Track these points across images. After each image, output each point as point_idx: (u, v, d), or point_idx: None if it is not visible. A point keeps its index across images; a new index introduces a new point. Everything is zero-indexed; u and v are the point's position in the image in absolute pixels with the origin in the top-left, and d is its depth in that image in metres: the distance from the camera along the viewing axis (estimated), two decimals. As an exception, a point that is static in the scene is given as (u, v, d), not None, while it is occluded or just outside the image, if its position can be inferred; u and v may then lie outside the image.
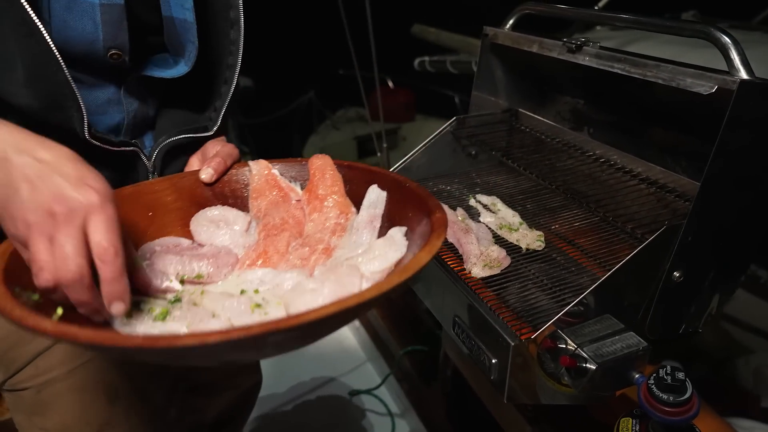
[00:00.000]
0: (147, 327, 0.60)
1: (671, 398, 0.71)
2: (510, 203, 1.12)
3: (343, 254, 0.72)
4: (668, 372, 0.73)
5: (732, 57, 0.75)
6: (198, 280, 0.69)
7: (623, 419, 0.81)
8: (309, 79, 3.69)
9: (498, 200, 1.13)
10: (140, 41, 0.79)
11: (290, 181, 0.86)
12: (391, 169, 1.21)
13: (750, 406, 1.41)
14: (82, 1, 0.71)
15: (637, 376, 0.77)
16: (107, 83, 0.81)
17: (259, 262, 0.73)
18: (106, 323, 0.60)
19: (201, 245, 0.77)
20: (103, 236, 0.55)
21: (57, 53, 0.67)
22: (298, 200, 0.84)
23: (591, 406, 1.03)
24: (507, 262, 0.94)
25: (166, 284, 0.68)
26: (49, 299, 0.57)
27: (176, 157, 0.90)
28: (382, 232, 0.75)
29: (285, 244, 0.76)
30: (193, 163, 0.90)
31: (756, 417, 1.24)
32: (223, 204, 0.84)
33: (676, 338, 0.91)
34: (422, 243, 0.63)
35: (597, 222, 1.00)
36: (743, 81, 0.72)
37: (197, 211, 0.81)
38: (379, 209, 0.77)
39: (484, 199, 1.14)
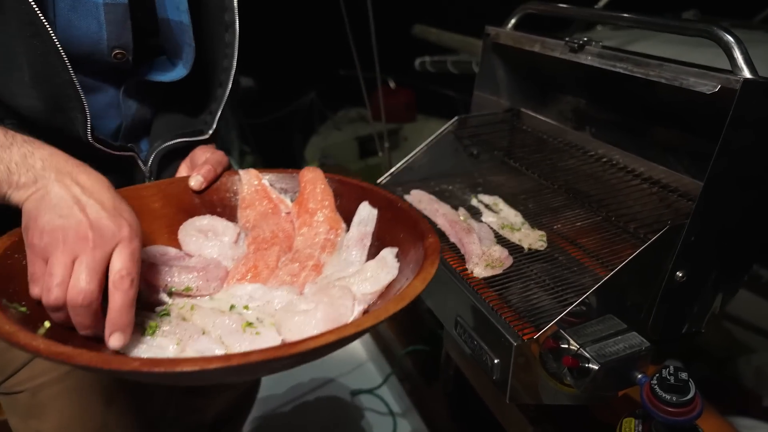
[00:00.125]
0: (136, 341, 0.59)
1: (674, 398, 0.70)
2: (512, 203, 1.12)
3: (333, 272, 0.72)
4: (671, 372, 0.72)
5: (735, 56, 0.74)
6: (186, 293, 0.69)
7: (626, 419, 0.81)
8: (310, 79, 3.69)
9: (500, 200, 1.13)
10: (140, 42, 0.79)
11: (280, 193, 0.85)
12: (393, 169, 1.21)
13: (751, 405, 1.41)
14: (87, 0, 0.71)
15: (639, 376, 0.77)
16: (107, 86, 0.81)
17: (249, 276, 0.72)
18: (95, 336, 0.59)
19: (189, 255, 0.76)
20: (123, 264, 0.57)
21: (63, 53, 0.67)
22: (288, 213, 0.84)
23: (593, 407, 1.03)
24: (509, 262, 0.94)
25: (154, 296, 0.68)
26: (37, 312, 0.57)
27: (172, 161, 0.90)
28: (372, 251, 0.74)
29: (275, 258, 0.75)
30: (182, 169, 0.90)
31: (758, 416, 1.23)
32: (212, 212, 0.83)
33: (678, 338, 0.91)
34: (414, 267, 0.63)
35: (599, 222, 1.00)
36: (746, 80, 0.71)
37: (185, 218, 0.80)
38: (370, 227, 0.76)
39: (486, 198, 1.14)
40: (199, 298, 0.70)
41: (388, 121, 2.17)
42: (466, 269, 0.93)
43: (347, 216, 0.80)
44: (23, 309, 0.57)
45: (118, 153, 0.79)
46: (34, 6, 0.64)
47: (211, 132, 0.90)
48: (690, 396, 0.70)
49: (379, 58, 2.00)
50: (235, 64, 0.86)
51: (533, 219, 1.06)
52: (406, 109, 3.29)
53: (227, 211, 0.84)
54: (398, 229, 0.73)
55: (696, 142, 0.91)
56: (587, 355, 0.75)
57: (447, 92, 2.86)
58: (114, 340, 0.57)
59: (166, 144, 0.86)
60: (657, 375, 0.73)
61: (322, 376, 1.93)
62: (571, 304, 0.78)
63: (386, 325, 1.93)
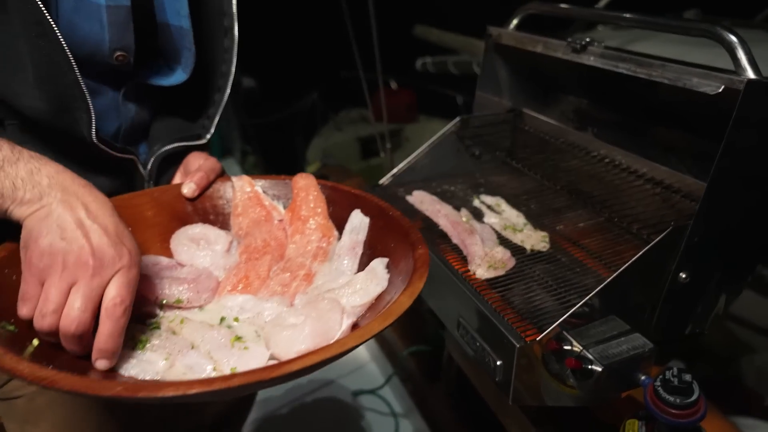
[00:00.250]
0: (126, 356, 0.59)
1: (678, 400, 0.70)
2: (514, 204, 1.11)
3: (324, 282, 0.71)
4: (675, 374, 0.72)
5: (739, 56, 0.74)
6: (177, 305, 0.69)
7: (629, 421, 0.81)
8: (312, 80, 3.69)
9: (502, 201, 1.13)
10: (140, 45, 0.79)
11: (273, 200, 0.85)
12: (395, 170, 1.21)
13: (754, 405, 1.41)
14: (89, 2, 0.71)
15: (643, 377, 0.76)
16: (107, 89, 0.80)
17: (240, 287, 0.72)
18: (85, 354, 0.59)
19: (181, 265, 0.76)
20: (118, 292, 0.56)
21: (69, 54, 0.67)
22: (281, 220, 0.83)
23: (596, 408, 1.03)
24: (512, 263, 0.93)
25: (145, 308, 0.67)
26: (25, 330, 0.57)
27: (171, 165, 0.90)
28: (363, 260, 0.74)
29: (266, 268, 0.75)
30: (177, 176, 0.90)
31: (760, 416, 1.23)
32: (204, 219, 0.83)
33: (682, 339, 0.91)
34: (404, 279, 0.62)
35: (602, 222, 0.99)
36: (750, 80, 0.71)
37: (178, 226, 0.80)
38: (362, 236, 0.76)
39: (488, 199, 1.14)
40: (190, 309, 0.69)
41: (390, 122, 2.17)
42: (469, 270, 0.93)
43: (340, 223, 0.79)
44: (11, 328, 0.56)
45: (119, 155, 0.79)
46: (42, 6, 0.64)
47: (209, 136, 0.89)
48: (694, 398, 0.70)
49: (380, 58, 2.00)
50: (233, 69, 0.86)
51: (535, 220, 1.06)
52: (408, 109, 3.29)
53: (220, 218, 0.84)
54: (389, 238, 0.72)
55: (699, 143, 0.91)
56: (590, 356, 0.75)
57: (448, 93, 2.85)
58: (100, 365, 0.57)
59: (165, 148, 0.86)
60: (660, 377, 0.73)
61: (323, 376, 1.93)
62: (574, 305, 0.78)
63: (388, 326, 1.93)
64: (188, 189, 0.82)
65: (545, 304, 0.84)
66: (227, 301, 0.69)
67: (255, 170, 3.61)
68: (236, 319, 0.67)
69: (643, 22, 0.92)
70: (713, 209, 0.79)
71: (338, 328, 0.60)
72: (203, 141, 0.89)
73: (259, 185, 0.85)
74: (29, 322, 0.57)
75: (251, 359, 0.58)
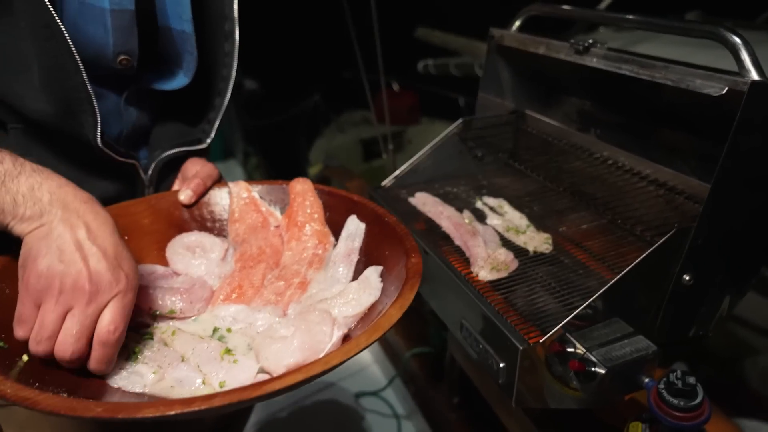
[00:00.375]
0: (118, 368, 0.60)
1: (682, 403, 0.70)
2: (517, 205, 1.11)
3: (318, 291, 0.71)
4: (679, 376, 0.72)
5: (743, 58, 0.74)
6: (170, 315, 0.69)
7: (632, 423, 0.80)
8: (314, 81, 3.69)
9: (505, 202, 1.12)
10: (143, 49, 0.79)
11: (270, 205, 0.85)
12: (397, 172, 1.21)
13: (757, 407, 1.40)
14: (93, 6, 0.71)
15: (646, 380, 0.76)
16: (109, 93, 0.80)
17: (234, 296, 0.72)
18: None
19: (176, 274, 0.76)
20: (113, 319, 0.56)
21: (77, 57, 0.67)
22: (277, 226, 0.83)
23: (599, 410, 1.03)
24: (514, 265, 0.93)
25: (138, 319, 0.67)
26: (15, 345, 0.57)
27: (172, 170, 0.90)
28: (359, 267, 0.74)
29: (260, 277, 0.75)
30: (175, 183, 0.90)
31: (764, 418, 1.22)
32: (201, 226, 0.83)
33: (686, 342, 0.90)
34: (398, 287, 0.62)
35: (605, 224, 0.99)
36: (754, 82, 0.71)
37: (175, 233, 0.80)
38: (357, 242, 0.76)
39: (490, 201, 1.14)
40: (183, 320, 0.70)
41: (392, 124, 2.17)
42: (471, 272, 0.93)
43: (336, 229, 0.79)
44: (1, 344, 0.56)
45: (122, 159, 0.79)
46: (51, 9, 0.64)
47: (209, 141, 0.89)
48: (698, 401, 0.70)
49: (382, 60, 2.00)
50: (234, 73, 0.86)
51: (538, 221, 1.06)
52: (410, 111, 3.28)
53: (217, 224, 0.84)
54: (385, 245, 0.72)
55: (702, 144, 0.91)
56: (594, 359, 0.75)
57: (450, 94, 2.85)
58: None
59: (165, 154, 0.86)
60: (664, 379, 0.73)
61: (325, 378, 1.92)
62: (578, 307, 0.77)
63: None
64: (185, 196, 0.82)
65: (548, 306, 0.84)
66: (220, 311, 0.69)
67: (257, 172, 3.61)
68: (229, 330, 0.67)
69: (646, 23, 0.92)
70: (717, 211, 0.78)
71: (328, 340, 0.60)
72: (204, 145, 0.89)
73: (256, 190, 0.85)
74: (18, 339, 0.57)
75: (240, 373, 0.59)
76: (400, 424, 1.73)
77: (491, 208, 1.11)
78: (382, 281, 0.67)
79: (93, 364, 0.58)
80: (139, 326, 0.68)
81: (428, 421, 1.66)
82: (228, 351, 0.62)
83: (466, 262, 0.96)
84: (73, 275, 0.55)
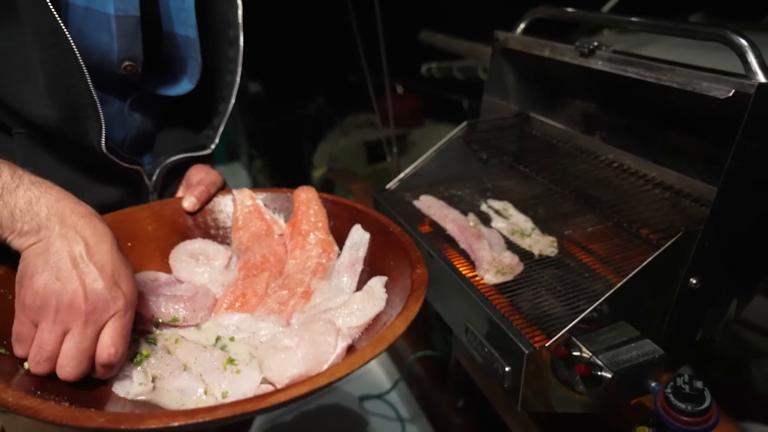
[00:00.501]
0: (121, 374, 0.60)
1: (689, 407, 0.69)
2: (522, 208, 1.11)
3: (322, 301, 0.71)
4: (686, 381, 0.71)
5: (749, 60, 0.73)
6: (173, 324, 0.68)
7: (639, 428, 0.80)
8: (319, 84, 3.70)
9: (510, 205, 1.12)
10: (148, 55, 0.79)
11: (274, 213, 0.84)
12: (401, 175, 1.21)
13: (765, 411, 1.39)
14: (98, 12, 0.71)
15: (653, 384, 0.75)
16: (113, 99, 0.81)
17: (237, 304, 0.72)
18: None
19: (180, 281, 0.76)
20: (113, 341, 0.56)
21: (82, 63, 0.67)
22: (281, 235, 0.83)
23: (605, 415, 1.02)
24: (520, 268, 0.93)
25: (140, 327, 0.67)
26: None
27: (176, 176, 0.90)
28: (363, 277, 0.74)
29: (264, 285, 0.75)
30: (179, 190, 0.90)
31: (771, 423, 1.21)
32: (205, 234, 0.83)
33: (692, 345, 0.90)
34: (403, 298, 0.62)
35: (611, 227, 0.99)
36: (761, 84, 0.71)
37: (178, 240, 0.80)
38: (362, 252, 0.76)
39: (495, 204, 1.13)
40: (186, 328, 0.69)
41: (396, 126, 2.17)
42: (477, 275, 0.93)
43: (340, 238, 0.79)
44: (2, 351, 0.56)
45: (126, 165, 0.79)
46: (56, 16, 0.64)
47: (213, 147, 0.89)
48: (706, 405, 0.69)
49: (387, 63, 2.00)
50: (238, 79, 0.86)
51: (543, 224, 1.05)
52: (414, 114, 3.29)
53: (221, 232, 0.84)
54: (389, 255, 0.72)
55: (708, 147, 0.90)
56: (600, 363, 0.74)
57: (454, 97, 2.86)
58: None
59: (170, 160, 0.86)
60: (671, 383, 0.72)
61: (330, 381, 1.92)
62: (583, 311, 0.77)
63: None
64: (189, 203, 0.82)
65: (554, 310, 0.84)
66: (224, 320, 0.69)
67: (261, 174, 3.62)
68: (232, 339, 0.66)
69: (652, 26, 0.92)
70: (724, 214, 0.78)
71: (332, 351, 0.59)
72: (207, 151, 0.89)
73: (260, 198, 0.85)
74: None
75: (243, 383, 0.58)
76: (405, 427, 1.73)
77: (496, 211, 1.11)
78: (386, 292, 0.67)
79: (97, 376, 0.58)
80: (141, 333, 0.68)
81: (432, 424, 1.65)
82: (231, 361, 0.61)
83: (471, 265, 0.96)
84: (70, 294, 0.54)
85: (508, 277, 0.91)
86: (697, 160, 0.92)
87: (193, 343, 0.65)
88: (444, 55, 2.67)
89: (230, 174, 3.75)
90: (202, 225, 0.83)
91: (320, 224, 0.80)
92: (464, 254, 0.98)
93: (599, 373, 0.74)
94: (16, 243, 0.57)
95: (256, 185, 3.60)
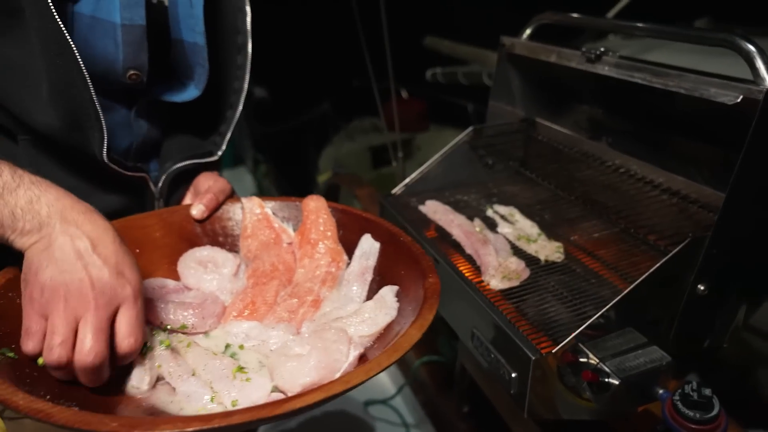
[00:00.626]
0: (128, 373, 0.59)
1: (698, 415, 0.69)
2: (528, 214, 1.11)
3: (332, 309, 0.70)
4: (694, 388, 0.71)
5: (758, 66, 0.73)
6: (182, 331, 0.68)
7: (647, 435, 0.79)
8: (324, 89, 3.71)
9: (516, 211, 1.12)
10: (153, 62, 0.79)
11: (283, 222, 0.84)
12: (407, 180, 1.21)
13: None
14: (104, 21, 0.71)
15: (661, 391, 0.75)
16: (119, 106, 0.80)
17: (246, 312, 0.71)
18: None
19: (188, 288, 0.75)
20: (130, 330, 0.56)
21: (86, 72, 0.67)
22: (290, 243, 0.82)
23: (613, 422, 1.01)
24: (526, 273, 0.93)
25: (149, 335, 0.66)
26: (26, 357, 0.56)
27: (182, 183, 0.89)
28: (373, 287, 0.73)
29: (273, 293, 0.74)
30: (187, 197, 0.89)
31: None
32: (213, 241, 0.82)
33: (700, 352, 0.89)
34: (415, 308, 0.61)
35: (617, 233, 0.99)
36: (769, 90, 0.70)
37: (186, 247, 0.79)
38: (372, 261, 0.75)
39: (501, 209, 1.13)
40: (194, 335, 0.68)
41: (401, 131, 2.18)
42: (482, 281, 0.92)
43: (350, 247, 0.78)
44: (11, 354, 0.56)
45: (130, 173, 0.79)
46: (61, 25, 0.64)
47: (220, 153, 0.89)
48: (714, 413, 0.69)
49: (392, 68, 2.01)
50: (246, 86, 0.86)
51: (550, 230, 1.05)
52: (419, 118, 3.29)
53: (229, 240, 0.83)
54: (400, 265, 0.71)
55: (715, 152, 0.90)
56: (607, 369, 0.74)
57: (459, 102, 2.86)
58: None
59: (176, 166, 0.86)
60: (679, 391, 0.72)
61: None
62: (590, 317, 0.77)
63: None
64: (197, 211, 0.82)
65: (560, 316, 0.83)
66: (233, 328, 0.68)
67: (267, 179, 3.63)
68: (241, 347, 0.66)
69: (660, 31, 0.92)
70: (732, 220, 0.78)
71: (345, 359, 0.59)
72: (214, 158, 0.89)
73: (269, 207, 0.84)
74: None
75: (253, 392, 0.58)
76: (409, 433, 1.72)
77: (502, 217, 1.11)
78: (398, 301, 0.66)
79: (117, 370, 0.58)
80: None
81: (437, 430, 1.65)
82: (240, 369, 0.61)
83: (477, 270, 0.95)
84: (77, 283, 0.55)
85: (515, 283, 0.91)
86: (705, 166, 0.92)
87: (203, 350, 0.64)
88: (449, 61, 2.67)
89: (235, 178, 3.76)
90: (210, 233, 0.83)
91: (329, 233, 0.79)
92: (470, 259, 0.98)
93: (606, 380, 0.74)
94: (19, 242, 0.58)
95: (261, 190, 3.61)
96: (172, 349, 0.64)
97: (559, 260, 0.97)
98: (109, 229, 0.59)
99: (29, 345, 0.56)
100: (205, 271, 0.76)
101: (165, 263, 0.78)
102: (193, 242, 0.81)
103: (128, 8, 0.72)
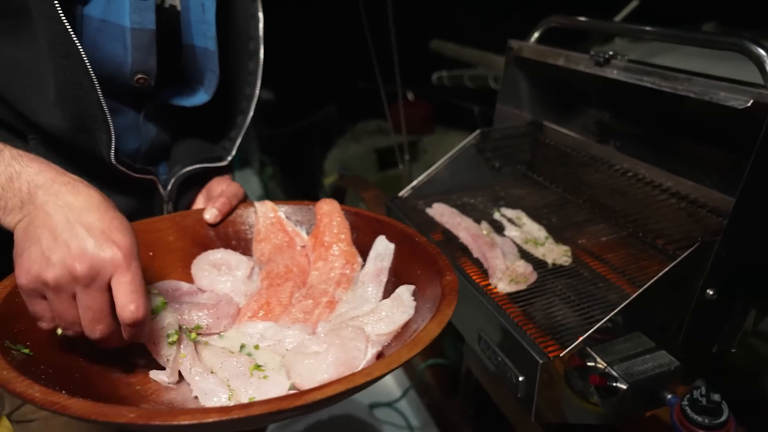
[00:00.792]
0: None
1: (707, 421, 0.68)
2: (535, 217, 1.11)
3: (347, 310, 0.70)
4: (703, 393, 0.70)
5: (768, 70, 0.73)
6: (196, 331, 0.67)
7: (655, 440, 0.79)
8: (330, 91, 3.72)
9: (523, 214, 1.12)
10: (162, 67, 0.79)
11: (296, 225, 0.84)
12: (414, 182, 1.21)
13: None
14: (114, 24, 0.71)
15: (669, 396, 0.75)
16: (127, 109, 0.81)
17: (261, 313, 0.71)
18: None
19: (201, 291, 0.75)
20: (128, 298, 0.54)
21: (93, 75, 0.67)
22: (303, 246, 0.83)
23: (620, 426, 1.01)
24: (533, 277, 0.93)
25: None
26: (41, 354, 0.56)
27: (191, 186, 0.90)
28: (389, 287, 0.73)
29: (288, 294, 0.74)
30: (199, 201, 0.90)
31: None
32: (226, 245, 0.82)
33: (708, 358, 0.89)
34: (432, 307, 0.61)
35: (625, 237, 0.98)
36: (780, 95, 0.70)
37: (199, 251, 0.80)
38: (387, 262, 0.75)
39: (508, 212, 1.13)
40: (209, 336, 0.68)
41: (407, 133, 2.18)
42: (490, 284, 0.92)
43: (364, 250, 0.78)
44: (26, 351, 0.56)
45: (139, 176, 0.79)
46: (68, 26, 0.64)
47: (230, 158, 0.89)
48: (723, 418, 0.68)
49: (399, 70, 2.01)
50: (257, 92, 0.86)
51: (557, 233, 1.05)
52: (425, 121, 3.29)
53: (242, 243, 0.83)
54: (416, 264, 0.71)
55: (724, 156, 0.90)
56: (615, 373, 0.74)
57: (465, 104, 2.86)
58: None
59: (185, 170, 0.86)
60: (688, 396, 0.71)
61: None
62: (598, 321, 0.77)
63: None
64: (210, 215, 0.82)
65: (568, 320, 0.83)
66: (247, 328, 0.68)
67: (273, 181, 3.64)
68: (256, 347, 0.65)
69: (669, 35, 0.92)
70: (742, 224, 0.77)
71: (363, 357, 0.58)
72: (224, 163, 0.89)
73: (282, 210, 0.84)
74: (44, 346, 0.57)
75: (271, 389, 0.57)
76: (414, 436, 1.72)
77: (509, 220, 1.11)
78: (414, 300, 0.66)
79: (128, 340, 0.57)
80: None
81: (442, 433, 1.64)
82: (258, 367, 0.60)
83: (485, 273, 0.95)
84: (59, 265, 0.53)
85: (522, 286, 0.90)
86: (713, 170, 0.91)
87: (220, 348, 0.64)
88: (454, 64, 2.68)
89: (241, 180, 3.74)
90: (223, 237, 0.83)
91: (343, 236, 0.79)
92: (477, 263, 0.98)
93: (614, 384, 0.73)
94: (6, 221, 0.57)
95: (267, 192, 3.62)
96: (191, 345, 0.64)
97: (566, 264, 0.97)
98: (94, 196, 0.57)
99: (44, 325, 0.57)
100: (219, 274, 0.76)
101: (179, 267, 0.78)
102: (207, 246, 0.81)
103: (138, 12, 0.72)
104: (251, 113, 0.87)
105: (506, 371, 0.82)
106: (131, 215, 0.80)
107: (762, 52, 0.75)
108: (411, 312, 0.64)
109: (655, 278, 0.77)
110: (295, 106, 3.69)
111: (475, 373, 1.36)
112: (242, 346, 0.66)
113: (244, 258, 0.80)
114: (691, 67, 0.86)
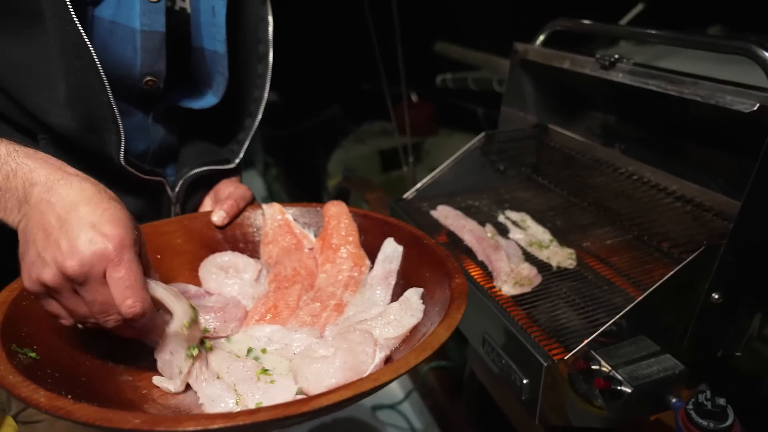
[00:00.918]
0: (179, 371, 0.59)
1: (712, 425, 0.68)
2: (540, 220, 1.11)
3: (355, 313, 0.69)
4: (708, 397, 0.70)
5: (774, 74, 0.73)
6: (204, 335, 0.67)
7: (659, 444, 0.79)
8: (334, 93, 3.73)
9: (528, 216, 1.12)
10: (172, 69, 0.79)
11: (304, 227, 0.84)
12: (419, 185, 1.21)
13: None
14: (124, 26, 0.71)
15: (674, 400, 0.75)
16: (136, 110, 0.81)
17: (269, 316, 0.71)
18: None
19: (209, 293, 0.75)
20: (123, 294, 0.53)
21: (104, 76, 0.68)
22: (311, 249, 0.82)
23: (624, 430, 1.01)
24: (538, 280, 0.93)
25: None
26: (48, 358, 0.56)
27: (198, 188, 0.90)
28: (397, 290, 0.72)
29: (296, 297, 0.73)
30: (206, 203, 0.90)
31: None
32: (234, 248, 0.82)
33: (713, 361, 0.88)
34: (441, 310, 0.60)
35: (630, 240, 0.98)
36: (786, 99, 0.70)
37: (207, 253, 0.80)
38: (395, 264, 0.74)
39: (513, 215, 1.13)
40: (216, 339, 0.68)
41: (411, 135, 2.18)
42: (494, 287, 0.92)
43: (372, 252, 0.78)
44: (33, 355, 0.55)
45: (147, 177, 0.79)
46: (80, 28, 0.65)
47: (237, 161, 0.89)
48: (728, 423, 0.68)
49: (404, 72, 2.01)
50: (266, 95, 0.86)
51: (562, 236, 1.05)
52: (428, 122, 3.29)
53: (250, 246, 0.83)
54: (424, 267, 0.70)
55: (730, 160, 0.90)
56: (620, 377, 0.73)
57: (469, 106, 2.86)
58: None
59: (193, 172, 0.86)
60: (693, 400, 0.71)
61: (342, 389, 1.91)
62: (603, 324, 0.77)
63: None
64: (218, 217, 0.82)
65: (572, 323, 0.83)
66: (255, 332, 0.68)
67: (277, 182, 3.64)
68: (264, 351, 0.65)
69: (675, 39, 0.92)
70: (747, 228, 0.77)
71: (371, 361, 0.58)
72: (231, 165, 0.89)
73: (290, 213, 0.84)
74: (51, 349, 0.58)
75: (278, 393, 0.57)
76: (417, 438, 1.72)
77: (514, 222, 1.11)
78: (423, 303, 0.65)
79: (137, 335, 0.58)
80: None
81: (445, 435, 1.64)
82: (264, 371, 0.60)
83: (489, 276, 0.95)
84: (51, 265, 0.52)
85: (526, 289, 0.90)
86: (719, 174, 0.91)
87: (227, 353, 0.64)
88: (458, 67, 2.68)
89: (245, 182, 3.76)
90: (231, 239, 0.83)
91: (351, 238, 0.79)
92: (482, 265, 0.98)
93: (619, 388, 0.73)
94: (9, 221, 0.57)
95: (271, 193, 3.62)
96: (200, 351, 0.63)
97: (571, 267, 0.97)
98: (86, 188, 0.55)
99: (64, 323, 0.57)
100: (227, 276, 0.76)
101: (186, 269, 0.78)
102: (214, 248, 0.81)
103: (148, 14, 0.72)
104: (260, 116, 0.87)
105: (510, 374, 0.82)
106: (139, 217, 0.80)
107: (768, 55, 0.75)
108: (420, 315, 0.64)
109: (660, 282, 0.77)
110: (299, 107, 3.70)
111: (478, 375, 1.36)
112: (249, 350, 0.66)
113: (251, 261, 0.80)
114: (696, 70, 0.86)
